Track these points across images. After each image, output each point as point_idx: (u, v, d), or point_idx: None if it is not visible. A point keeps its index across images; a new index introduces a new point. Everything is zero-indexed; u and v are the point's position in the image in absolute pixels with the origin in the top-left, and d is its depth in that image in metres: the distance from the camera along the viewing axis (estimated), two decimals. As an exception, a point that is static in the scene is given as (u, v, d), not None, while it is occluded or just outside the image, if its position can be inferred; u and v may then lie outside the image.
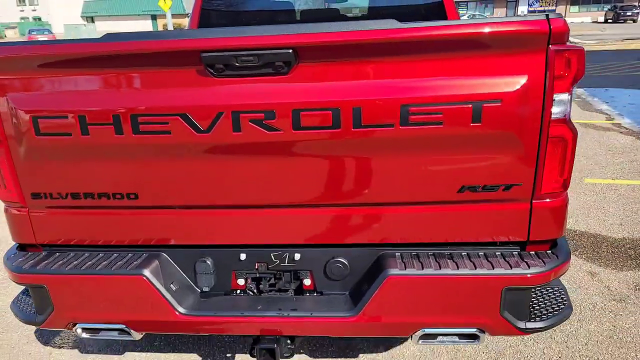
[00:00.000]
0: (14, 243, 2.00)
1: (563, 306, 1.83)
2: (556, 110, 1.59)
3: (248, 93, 1.58)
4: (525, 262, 1.70)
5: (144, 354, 2.67)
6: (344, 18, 4.05)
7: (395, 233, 1.77)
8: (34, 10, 66.75)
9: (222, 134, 1.61)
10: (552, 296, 1.88)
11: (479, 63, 1.54)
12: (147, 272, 1.79)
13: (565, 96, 1.59)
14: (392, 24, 1.49)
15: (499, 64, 1.54)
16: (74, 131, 1.66)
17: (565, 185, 1.70)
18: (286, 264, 1.86)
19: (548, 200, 1.70)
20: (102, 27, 60.92)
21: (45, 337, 2.83)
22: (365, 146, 1.62)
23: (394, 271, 1.70)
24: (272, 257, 1.85)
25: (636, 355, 2.52)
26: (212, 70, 1.55)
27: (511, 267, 1.68)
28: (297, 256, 1.84)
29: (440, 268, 1.70)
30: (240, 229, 1.81)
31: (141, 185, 1.76)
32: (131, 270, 1.79)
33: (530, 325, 1.74)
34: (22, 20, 64.94)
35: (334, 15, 3.93)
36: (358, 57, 1.55)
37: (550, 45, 1.52)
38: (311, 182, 1.69)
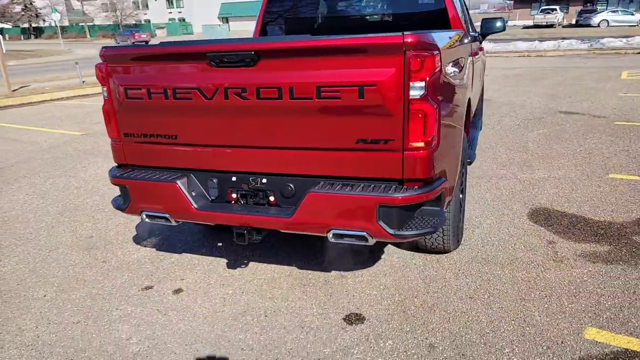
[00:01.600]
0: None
1: (429, 227, 2.70)
2: (413, 93, 2.49)
3: (232, 77, 2.73)
4: (393, 189, 2.62)
5: (192, 254, 3.99)
6: (374, 25, 5.03)
7: (319, 168, 2.79)
8: (180, 12, 75.22)
9: (218, 101, 2.78)
10: (427, 220, 2.75)
11: (362, 61, 2.51)
12: (179, 182, 3.05)
13: (420, 84, 2.48)
14: (307, 37, 2.53)
15: (375, 62, 2.49)
16: (144, 97, 2.96)
17: (428, 143, 2.58)
18: (258, 185, 2.99)
19: (415, 152, 2.59)
20: (235, 27, 66.73)
21: (138, 239, 4.31)
22: (296, 111, 2.67)
23: (312, 189, 2.74)
24: (250, 180, 3.00)
25: (539, 294, 3.19)
26: (213, 63, 2.73)
27: (382, 192, 2.61)
28: (265, 180, 2.96)
29: (341, 189, 2.69)
30: (232, 160, 2.98)
31: (178, 130, 3.01)
32: (170, 180, 3.07)
33: (398, 232, 2.65)
34: (170, 22, 73.68)
35: (363, 24, 4.95)
36: (291, 56, 2.61)
37: (407, 51, 2.43)
38: (267, 132, 2.80)
